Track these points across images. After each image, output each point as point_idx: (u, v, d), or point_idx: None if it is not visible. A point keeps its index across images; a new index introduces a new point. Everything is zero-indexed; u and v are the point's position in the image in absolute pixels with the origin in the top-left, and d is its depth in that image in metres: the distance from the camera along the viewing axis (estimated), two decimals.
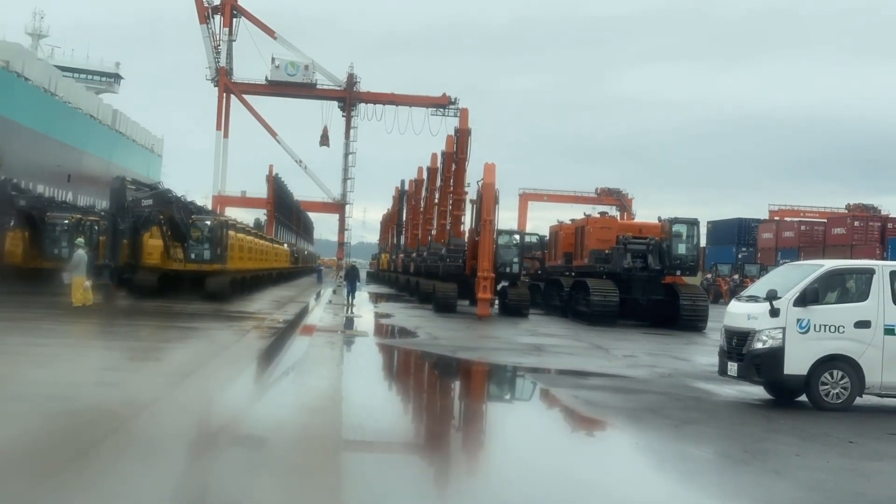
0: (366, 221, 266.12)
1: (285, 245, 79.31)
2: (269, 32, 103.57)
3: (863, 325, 14.31)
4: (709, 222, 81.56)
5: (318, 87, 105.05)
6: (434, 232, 53.33)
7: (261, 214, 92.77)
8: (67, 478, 8.10)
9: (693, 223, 35.53)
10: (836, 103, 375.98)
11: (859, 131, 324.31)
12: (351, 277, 39.81)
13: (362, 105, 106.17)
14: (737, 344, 15.12)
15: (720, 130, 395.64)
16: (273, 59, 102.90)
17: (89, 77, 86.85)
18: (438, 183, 55.29)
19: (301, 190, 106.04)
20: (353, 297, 38.36)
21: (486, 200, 36.95)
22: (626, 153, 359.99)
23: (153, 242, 36.78)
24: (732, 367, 15.20)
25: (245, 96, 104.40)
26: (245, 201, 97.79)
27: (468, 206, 41.71)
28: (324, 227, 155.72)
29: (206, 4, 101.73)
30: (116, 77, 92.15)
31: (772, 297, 14.45)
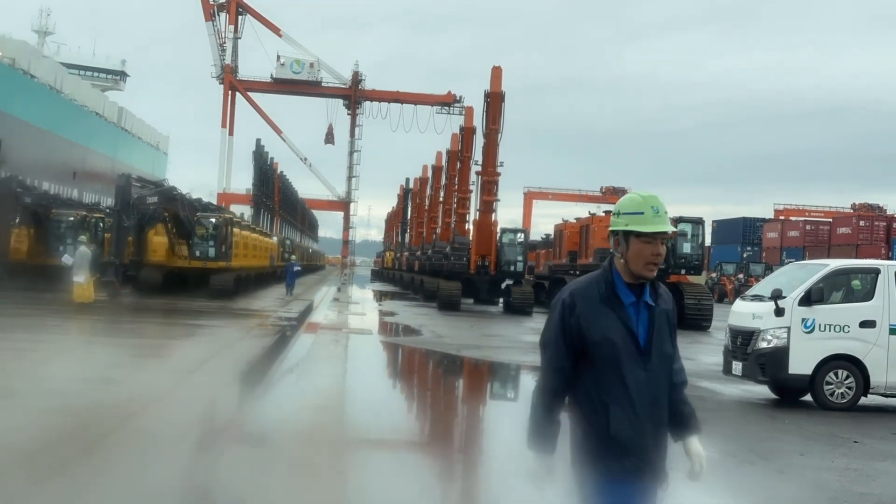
0: (370, 219, 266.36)
1: (283, 239, 70.94)
2: (275, 30, 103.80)
3: (868, 324, 14.29)
4: (714, 221, 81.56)
5: (323, 84, 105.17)
6: (439, 230, 53.39)
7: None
8: (73, 474, 8.12)
9: (698, 222, 35.48)
10: (847, 86, 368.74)
11: (873, 119, 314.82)
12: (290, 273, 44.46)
13: (367, 103, 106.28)
14: (741, 343, 15.11)
15: (725, 119, 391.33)
16: (278, 57, 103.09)
17: (95, 74, 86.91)
18: (443, 181, 55.35)
19: (306, 188, 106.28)
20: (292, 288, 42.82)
21: (493, 108, 37.09)
22: (628, 143, 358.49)
23: (158, 240, 36.82)
24: (737, 367, 15.19)
25: (250, 94, 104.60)
26: (250, 199, 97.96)
27: (473, 199, 41.73)
28: (328, 224, 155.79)
29: (211, 2, 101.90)
30: (122, 74, 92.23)
31: (777, 296, 14.43)
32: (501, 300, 40.57)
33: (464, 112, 54.14)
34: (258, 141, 70.01)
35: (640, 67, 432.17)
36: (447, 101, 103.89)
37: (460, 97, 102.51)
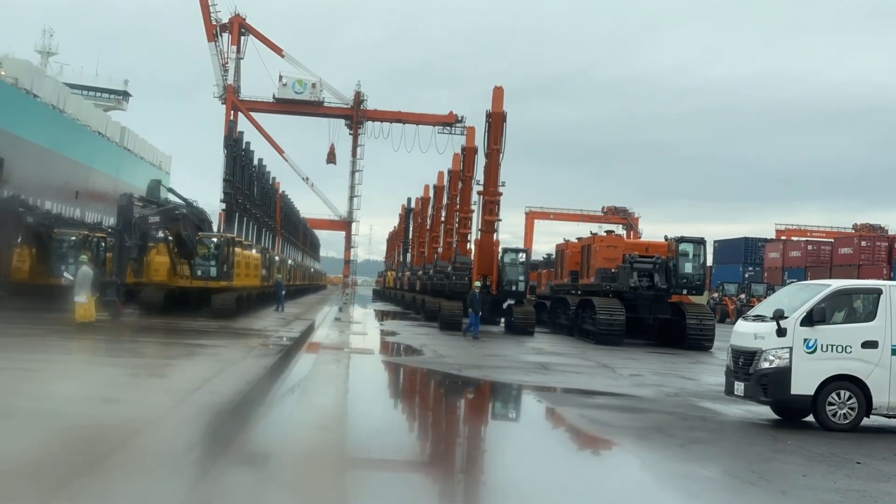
0: (372, 239, 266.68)
1: (264, 249, 55.74)
2: (277, 50, 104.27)
3: (870, 345, 14.28)
4: (715, 241, 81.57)
5: (325, 104, 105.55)
6: (440, 250, 53.38)
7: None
8: (75, 493, 8.09)
9: (699, 242, 35.52)
10: (850, 89, 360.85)
11: (879, 125, 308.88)
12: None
13: (369, 123, 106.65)
14: (743, 363, 15.09)
15: (722, 128, 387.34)
16: (280, 77, 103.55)
17: (98, 94, 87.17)
18: (445, 201, 55.39)
19: (308, 208, 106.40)
20: None
21: (495, 128, 37.24)
22: (626, 152, 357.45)
23: (160, 259, 36.80)
24: (739, 387, 15.17)
25: (252, 114, 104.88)
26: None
27: (475, 219, 41.75)
28: (330, 244, 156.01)
29: (214, 22, 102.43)
30: (125, 94, 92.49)
31: (779, 316, 14.44)
32: (503, 320, 40.53)
33: (465, 132, 54.25)
34: (230, 123, 58.17)
35: (636, 72, 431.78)
36: (449, 122, 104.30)
37: (462, 117, 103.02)
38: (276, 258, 60.81)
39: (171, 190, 38.79)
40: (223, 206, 46.33)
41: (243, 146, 51.47)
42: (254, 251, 46.15)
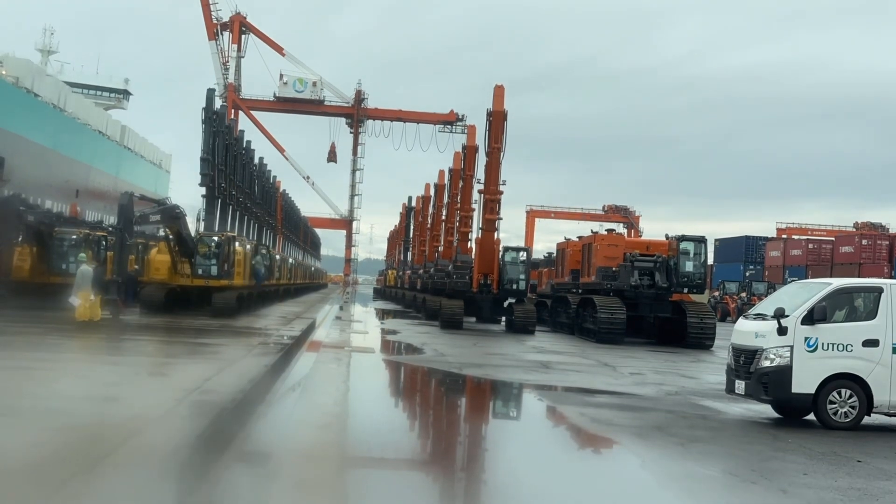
0: (372, 237, 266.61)
1: (258, 245, 48.86)
2: (278, 49, 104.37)
3: (871, 343, 14.28)
4: (716, 240, 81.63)
5: (326, 103, 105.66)
6: (441, 248, 53.38)
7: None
8: (75, 493, 8.09)
9: (700, 241, 35.49)
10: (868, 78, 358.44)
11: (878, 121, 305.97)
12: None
13: (370, 121, 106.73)
14: (744, 362, 15.08)
15: (723, 123, 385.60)
16: (281, 76, 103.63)
17: (98, 93, 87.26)
18: (446, 199, 55.41)
19: (309, 206, 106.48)
20: None
21: (495, 127, 37.30)
22: (625, 149, 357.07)
23: (160, 258, 36.77)
24: (740, 386, 15.17)
25: (253, 112, 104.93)
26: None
27: (475, 217, 41.75)
28: (331, 243, 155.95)
29: (215, 21, 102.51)
30: (125, 93, 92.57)
31: (779, 315, 14.43)
32: (504, 319, 40.53)
33: (466, 130, 54.29)
34: (230, 121, 48.96)
35: (638, 64, 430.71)
36: (449, 120, 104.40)
37: (463, 116, 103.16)
38: (278, 256, 60.81)
39: (143, 197, 37.92)
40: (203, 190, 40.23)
41: (244, 145, 51.36)
42: (237, 244, 40.03)
